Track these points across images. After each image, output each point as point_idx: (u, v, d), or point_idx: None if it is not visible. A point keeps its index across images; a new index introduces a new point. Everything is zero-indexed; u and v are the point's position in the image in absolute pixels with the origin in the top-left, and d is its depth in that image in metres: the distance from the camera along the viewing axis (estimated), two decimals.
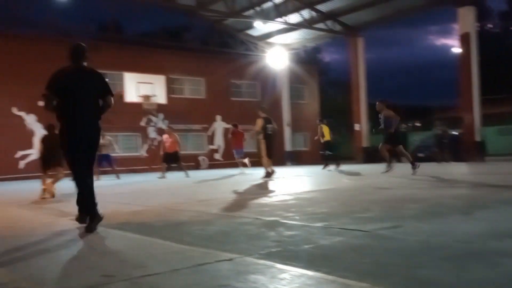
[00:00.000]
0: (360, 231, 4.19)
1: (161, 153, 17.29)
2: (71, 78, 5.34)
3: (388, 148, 13.01)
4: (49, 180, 10.27)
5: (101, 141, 17.42)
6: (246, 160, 19.19)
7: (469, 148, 21.90)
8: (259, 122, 13.21)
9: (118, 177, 17.59)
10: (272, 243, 3.87)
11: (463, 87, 22.89)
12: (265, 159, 13.38)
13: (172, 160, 16.98)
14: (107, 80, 5.72)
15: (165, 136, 17.37)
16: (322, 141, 18.42)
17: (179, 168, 17.21)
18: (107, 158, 17.68)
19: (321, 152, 18.93)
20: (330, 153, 18.79)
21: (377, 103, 13.04)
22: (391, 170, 12.73)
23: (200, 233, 4.57)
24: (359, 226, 4.41)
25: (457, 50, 24.94)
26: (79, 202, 5.29)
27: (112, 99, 5.61)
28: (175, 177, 16.92)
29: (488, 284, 2.55)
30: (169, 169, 17.22)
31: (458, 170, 14.91)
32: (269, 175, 13.37)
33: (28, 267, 3.45)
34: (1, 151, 21.25)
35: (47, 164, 10.38)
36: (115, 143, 19.15)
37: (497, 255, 3.15)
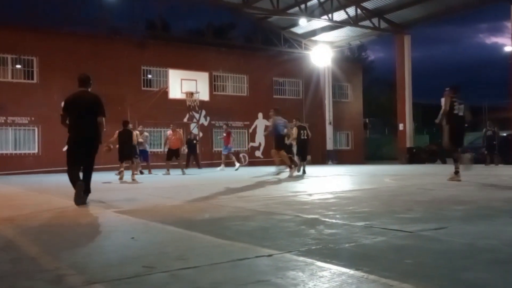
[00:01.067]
0: (403, 231, 4.11)
1: (166, 149, 17.64)
2: (78, 100, 7.46)
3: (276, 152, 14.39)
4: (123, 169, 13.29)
5: (140, 138, 17.94)
6: (232, 157, 20.38)
7: None
8: (294, 131, 15.46)
9: (150, 172, 17.97)
10: (312, 240, 3.84)
11: None
12: (285, 157, 14.34)
13: (174, 157, 17.37)
14: (102, 102, 7.51)
15: (169, 133, 17.64)
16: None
17: (178, 165, 17.61)
18: (144, 154, 18.10)
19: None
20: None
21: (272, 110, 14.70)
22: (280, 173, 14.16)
23: (240, 228, 4.58)
24: (401, 226, 4.33)
25: (509, 48, 24.15)
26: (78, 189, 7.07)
27: (102, 119, 7.43)
28: (215, 173, 17.05)
29: None
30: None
31: (507, 172, 14.42)
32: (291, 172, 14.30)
33: (73, 256, 3.53)
34: (50, 145, 21.89)
35: (122, 156, 13.26)
36: (149, 139, 19.70)
37: None
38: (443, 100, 10.37)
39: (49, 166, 21.30)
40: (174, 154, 17.23)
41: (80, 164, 7.40)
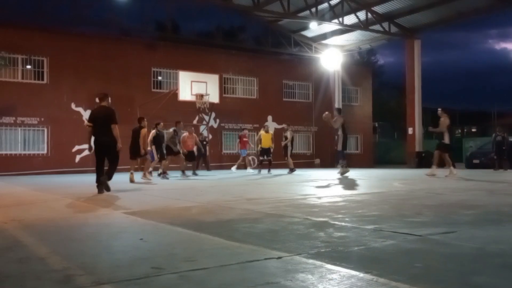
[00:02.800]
0: (412, 235, 4.10)
1: (183, 150, 17.57)
2: (96, 113, 9.67)
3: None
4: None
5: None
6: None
7: None
8: (289, 135, 18.91)
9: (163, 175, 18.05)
10: (322, 243, 3.83)
11: None
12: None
13: (190, 158, 17.55)
14: (115, 114, 9.58)
15: (185, 135, 17.67)
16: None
17: (193, 167, 17.89)
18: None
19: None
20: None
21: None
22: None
23: (249, 230, 4.57)
24: (411, 230, 4.31)
25: None
26: (98, 181, 9.27)
27: (115, 126, 9.44)
28: (224, 175, 17.06)
29: None
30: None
31: None
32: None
33: (81, 256, 3.55)
34: (59, 145, 22.03)
35: (133, 154, 14.11)
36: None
37: None
38: (338, 120, 15.25)
39: (58, 167, 21.41)
40: (190, 155, 17.37)
41: (102, 163, 9.58)
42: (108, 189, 9.24)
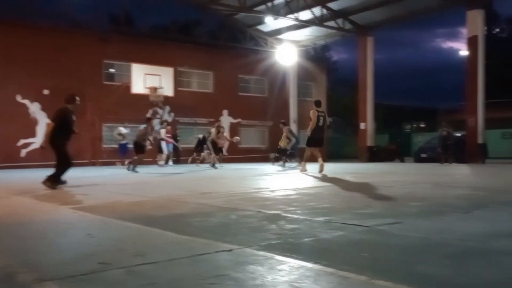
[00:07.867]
0: (361, 226, 4.19)
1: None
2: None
3: None
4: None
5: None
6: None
7: (471, 150, 21.88)
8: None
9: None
10: (273, 235, 3.85)
11: (469, 90, 22.84)
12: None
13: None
14: (56, 112, 9.56)
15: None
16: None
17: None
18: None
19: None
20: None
21: None
22: None
23: (201, 224, 4.55)
24: (360, 221, 4.40)
25: (464, 53, 24.80)
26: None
27: (48, 124, 9.77)
28: (179, 170, 16.93)
29: (487, 281, 2.54)
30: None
31: (460, 171, 14.84)
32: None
33: (25, 253, 3.43)
34: (3, 139, 21.21)
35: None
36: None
37: (496, 253, 3.16)
38: (311, 112, 13.82)
39: (2, 161, 20.63)
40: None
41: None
42: (60, 183, 9.35)
